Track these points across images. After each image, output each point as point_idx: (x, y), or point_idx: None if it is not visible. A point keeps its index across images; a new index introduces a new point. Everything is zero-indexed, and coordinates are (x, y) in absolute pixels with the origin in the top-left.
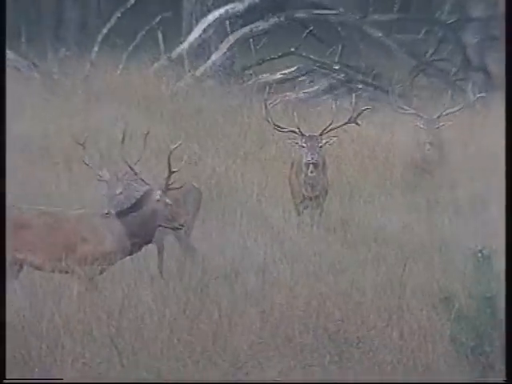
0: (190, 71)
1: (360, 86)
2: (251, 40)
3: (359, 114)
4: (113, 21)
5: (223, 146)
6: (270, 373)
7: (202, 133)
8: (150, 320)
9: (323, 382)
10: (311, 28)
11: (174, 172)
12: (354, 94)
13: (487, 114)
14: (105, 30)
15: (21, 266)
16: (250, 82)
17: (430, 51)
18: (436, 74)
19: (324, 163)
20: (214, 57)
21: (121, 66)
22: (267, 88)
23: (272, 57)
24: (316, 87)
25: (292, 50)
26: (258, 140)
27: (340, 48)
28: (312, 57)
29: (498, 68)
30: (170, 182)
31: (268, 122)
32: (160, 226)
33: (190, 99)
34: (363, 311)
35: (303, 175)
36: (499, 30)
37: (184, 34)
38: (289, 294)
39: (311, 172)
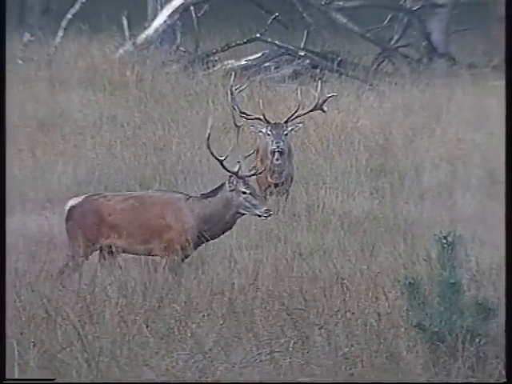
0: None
1: (325, 73)
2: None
3: (325, 101)
4: (77, 6)
5: (188, 132)
6: (234, 359)
7: (167, 119)
8: (115, 305)
9: (323, 381)
10: (277, 14)
11: (247, 156)
12: (319, 81)
13: (450, 97)
14: (69, 16)
15: (110, 253)
16: (215, 68)
17: (396, 38)
18: (400, 61)
19: (290, 150)
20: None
21: (85, 52)
22: (233, 74)
23: (237, 42)
24: (281, 73)
25: (257, 35)
26: (223, 126)
27: (305, 34)
28: (277, 43)
29: (462, 54)
30: (247, 171)
31: (234, 109)
32: (240, 213)
33: (155, 85)
34: (328, 297)
35: (269, 162)
36: (463, 16)
37: (149, 19)
38: (254, 281)
39: (277, 160)
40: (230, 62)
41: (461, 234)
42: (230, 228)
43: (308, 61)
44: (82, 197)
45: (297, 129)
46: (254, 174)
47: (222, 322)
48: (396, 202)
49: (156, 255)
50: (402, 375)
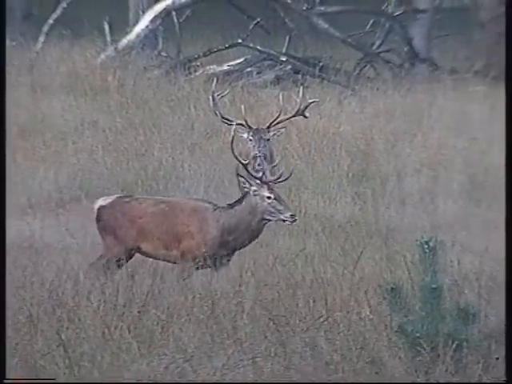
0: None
1: (307, 78)
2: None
3: (307, 107)
4: (59, 11)
5: (170, 137)
6: (216, 364)
7: (149, 124)
8: (96, 310)
9: (323, 381)
10: (258, 19)
11: (274, 166)
12: (301, 86)
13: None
14: (51, 21)
15: (130, 256)
16: (197, 73)
17: (377, 43)
18: (382, 66)
19: (272, 155)
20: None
21: (67, 57)
22: (215, 80)
23: (219, 48)
24: (263, 78)
25: (239, 41)
26: (206, 131)
27: (287, 39)
28: (259, 48)
29: (443, 59)
30: (273, 176)
31: (216, 114)
32: (266, 220)
33: (136, 90)
34: (310, 302)
35: (251, 168)
36: (445, 22)
37: (131, 24)
38: (236, 286)
39: (259, 165)
40: (211, 67)
41: (442, 239)
42: (257, 236)
43: (290, 66)
44: (113, 197)
45: (279, 133)
46: (277, 179)
47: (204, 327)
48: (377, 207)
49: (176, 263)
50: (384, 380)
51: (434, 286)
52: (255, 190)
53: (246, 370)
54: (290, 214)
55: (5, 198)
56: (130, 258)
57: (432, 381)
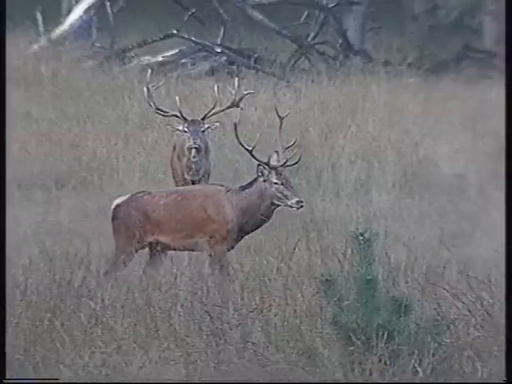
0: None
1: (242, 69)
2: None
3: (242, 98)
4: None
5: (104, 128)
6: (151, 356)
7: (83, 115)
8: (29, 303)
9: (324, 382)
10: (193, 10)
11: (288, 147)
12: (236, 78)
13: (366, 95)
14: None
15: (154, 249)
16: (131, 64)
17: (312, 35)
18: (317, 58)
19: (207, 147)
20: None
21: None
22: (149, 71)
23: (154, 39)
24: (198, 70)
25: (174, 31)
26: (140, 123)
27: (222, 31)
28: (194, 39)
29: (377, 51)
30: (280, 161)
31: (150, 105)
32: (274, 205)
33: (70, 81)
34: (245, 294)
35: (186, 159)
36: (379, 14)
37: (64, 14)
38: (171, 278)
39: (194, 157)
40: (146, 58)
41: (377, 230)
42: (266, 221)
43: (225, 57)
44: (128, 195)
45: (214, 127)
46: (283, 164)
47: (138, 319)
48: (312, 198)
49: (199, 251)
50: (318, 371)
51: (368, 277)
52: (265, 175)
53: (180, 361)
54: (297, 199)
55: (5, 198)
56: (152, 251)
57: (366, 373)
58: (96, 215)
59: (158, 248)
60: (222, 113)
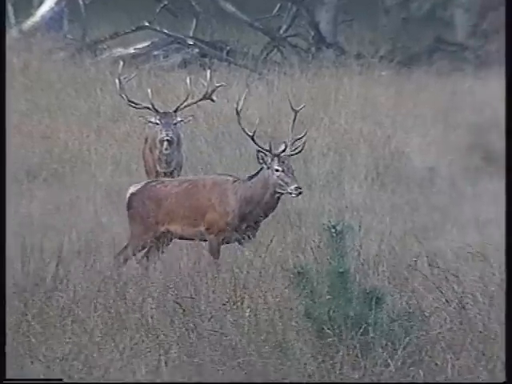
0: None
1: (214, 61)
2: None
3: (214, 90)
4: None
5: (76, 120)
6: (122, 347)
7: (54, 107)
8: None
9: (323, 382)
10: (165, 2)
11: (299, 139)
12: (208, 70)
13: (338, 87)
14: None
15: (168, 239)
16: (103, 56)
17: (284, 27)
18: (289, 50)
19: (179, 139)
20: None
21: None
22: (121, 63)
23: (126, 31)
24: (170, 62)
25: (146, 23)
26: (112, 115)
27: (194, 23)
28: (166, 31)
29: (349, 44)
30: (283, 148)
31: (122, 97)
32: (278, 193)
33: (41, 73)
34: (218, 286)
35: (158, 151)
36: (351, 7)
37: (35, 6)
38: (142, 270)
39: (166, 149)
40: (118, 50)
41: (349, 223)
42: (272, 210)
43: (197, 50)
44: (142, 183)
45: (186, 121)
46: (284, 151)
47: (111, 311)
48: None
49: (205, 240)
50: (290, 364)
51: (340, 269)
52: (267, 163)
53: (153, 353)
54: (295, 186)
55: (5, 196)
56: (168, 244)
57: (338, 365)
58: (68, 207)
59: (165, 239)
60: (194, 105)
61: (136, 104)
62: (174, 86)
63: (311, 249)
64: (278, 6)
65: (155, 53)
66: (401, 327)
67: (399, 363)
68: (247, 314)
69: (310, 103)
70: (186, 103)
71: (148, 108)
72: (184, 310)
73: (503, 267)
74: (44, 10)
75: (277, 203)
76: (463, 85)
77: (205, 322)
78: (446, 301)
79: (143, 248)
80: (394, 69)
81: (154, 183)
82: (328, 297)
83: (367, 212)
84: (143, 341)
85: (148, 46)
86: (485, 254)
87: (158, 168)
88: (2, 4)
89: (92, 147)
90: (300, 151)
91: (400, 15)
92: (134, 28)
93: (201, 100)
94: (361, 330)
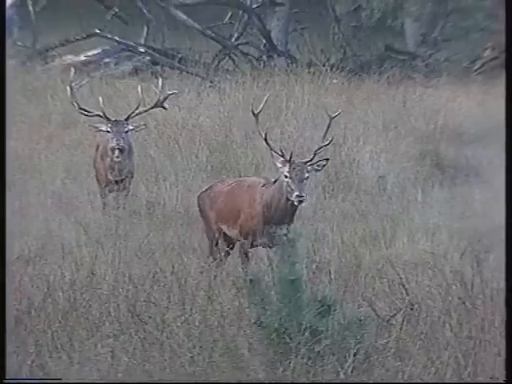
0: None
1: (166, 69)
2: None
3: (166, 98)
4: None
5: (26, 127)
6: (73, 356)
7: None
8: None
9: (323, 382)
10: (116, 9)
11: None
12: (160, 78)
13: (290, 95)
14: None
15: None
16: (54, 63)
17: (236, 35)
18: (241, 58)
19: (130, 147)
20: None
21: None
22: (72, 70)
23: (76, 38)
24: (121, 69)
25: (97, 31)
26: (63, 122)
27: (145, 30)
28: (117, 38)
29: (301, 52)
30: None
31: (73, 105)
32: (290, 200)
33: None
34: (168, 294)
35: (109, 159)
36: (302, 15)
37: None
38: (93, 278)
39: (117, 157)
40: (69, 57)
41: (300, 230)
42: (290, 216)
43: (148, 57)
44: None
45: (139, 129)
46: (291, 157)
47: (61, 319)
48: None
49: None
50: (241, 372)
51: (291, 277)
52: (281, 169)
53: (105, 361)
54: (296, 194)
55: (5, 197)
56: (233, 245)
57: (289, 372)
58: (18, 215)
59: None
60: (145, 113)
61: (87, 112)
62: (125, 93)
63: (263, 256)
64: (230, 14)
65: (106, 60)
66: (351, 334)
67: (350, 370)
68: (197, 321)
69: (262, 111)
70: (137, 111)
71: (99, 116)
72: (136, 318)
73: (451, 274)
74: None
75: (293, 210)
76: (413, 93)
77: (157, 331)
78: (396, 309)
79: (217, 244)
80: (345, 77)
81: (217, 182)
82: (279, 304)
83: (318, 220)
84: (96, 348)
85: (99, 53)
86: (434, 262)
87: (110, 176)
88: (2, 4)
89: (42, 154)
90: (312, 159)
91: (351, 23)
92: (84, 35)
93: (152, 108)
94: (312, 338)
